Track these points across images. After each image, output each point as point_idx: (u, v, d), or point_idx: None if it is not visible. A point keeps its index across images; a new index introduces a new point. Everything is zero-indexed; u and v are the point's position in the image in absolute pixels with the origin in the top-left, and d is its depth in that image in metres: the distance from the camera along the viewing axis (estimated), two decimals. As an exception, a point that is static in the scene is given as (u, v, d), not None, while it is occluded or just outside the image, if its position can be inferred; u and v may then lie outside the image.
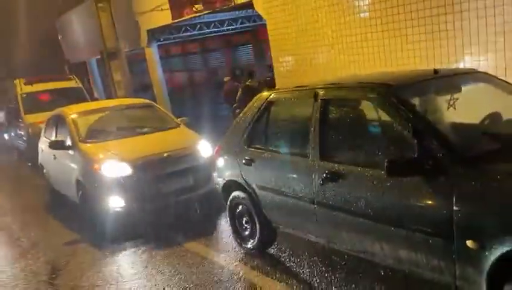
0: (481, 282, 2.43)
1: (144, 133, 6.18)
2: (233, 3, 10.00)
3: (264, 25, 9.07)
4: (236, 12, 13.22)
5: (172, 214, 5.68)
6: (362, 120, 3.35)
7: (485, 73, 3.66)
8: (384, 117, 3.01)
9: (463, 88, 3.49)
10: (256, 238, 4.27)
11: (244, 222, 4.38)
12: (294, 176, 3.62)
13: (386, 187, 2.83)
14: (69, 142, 6.00)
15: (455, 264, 2.54)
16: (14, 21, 21.34)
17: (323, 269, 3.85)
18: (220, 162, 4.59)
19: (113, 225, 5.31)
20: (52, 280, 4.47)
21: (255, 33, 15.99)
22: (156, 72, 13.87)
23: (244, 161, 4.16)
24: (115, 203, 5.28)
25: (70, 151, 5.94)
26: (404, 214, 2.75)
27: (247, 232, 4.37)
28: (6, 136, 15.30)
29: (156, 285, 4.04)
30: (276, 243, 4.41)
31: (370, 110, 3.16)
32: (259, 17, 9.54)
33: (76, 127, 6.11)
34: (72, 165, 5.86)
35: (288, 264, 4.07)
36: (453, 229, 2.47)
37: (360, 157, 3.11)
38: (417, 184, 2.64)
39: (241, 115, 4.46)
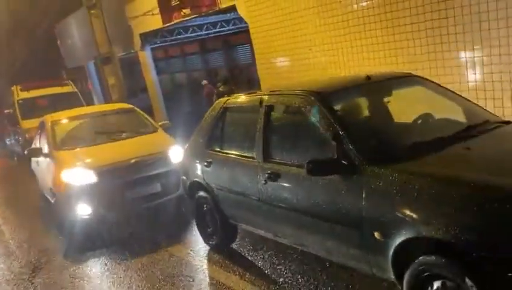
0: (389, 269, 2.71)
1: (118, 139, 6.27)
2: (218, 8, 10.31)
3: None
4: (228, 14, 13.47)
5: (140, 219, 5.82)
6: (297, 124, 3.62)
7: (420, 77, 3.91)
8: (314, 121, 3.27)
9: (398, 91, 3.76)
10: (219, 235, 4.56)
11: (208, 220, 4.67)
12: (244, 176, 3.91)
13: (312, 185, 3.11)
14: (46, 150, 6.23)
15: (368, 253, 2.82)
16: (13, 27, 21.79)
17: (277, 261, 4.14)
18: (186, 163, 4.90)
19: (82, 232, 5.51)
20: (32, 278, 4.79)
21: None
22: (150, 75, 14.17)
23: (205, 163, 4.45)
24: (82, 211, 5.42)
25: (48, 159, 6.17)
26: (327, 209, 3.03)
27: (210, 230, 4.67)
28: (7, 141, 15.75)
29: (123, 280, 4.35)
30: (239, 239, 4.69)
31: (304, 115, 3.42)
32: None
33: (54, 134, 6.32)
34: (48, 172, 6.09)
35: (246, 259, 4.37)
36: (363, 223, 2.75)
37: (294, 158, 3.38)
38: (336, 182, 2.92)
39: (203, 119, 4.75)
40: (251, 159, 3.79)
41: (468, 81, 5.40)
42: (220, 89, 9.58)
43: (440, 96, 3.72)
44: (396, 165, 2.69)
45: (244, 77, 15.79)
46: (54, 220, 6.39)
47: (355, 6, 6.76)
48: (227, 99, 4.42)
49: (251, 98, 4.06)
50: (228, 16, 13.81)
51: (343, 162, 2.85)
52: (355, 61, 7.00)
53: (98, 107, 8.15)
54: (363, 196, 2.74)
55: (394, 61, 6.45)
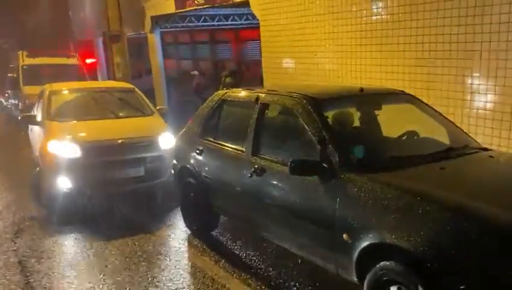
0: (352, 270, 2.88)
1: (112, 118, 6.24)
2: (232, 1, 10.44)
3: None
4: (242, 8, 13.59)
5: (125, 200, 5.86)
6: (288, 125, 3.79)
7: (412, 95, 4.07)
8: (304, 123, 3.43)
9: (388, 106, 3.92)
10: (201, 221, 4.72)
11: (192, 206, 4.82)
12: (232, 168, 4.07)
13: (294, 183, 3.29)
14: (39, 118, 6.24)
15: (336, 254, 2.99)
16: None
17: (252, 253, 4.31)
18: (179, 148, 5.05)
19: (64, 204, 5.54)
20: (15, 238, 4.95)
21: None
22: (156, 58, 14.26)
23: (197, 151, 4.61)
24: (64, 184, 5.41)
25: (39, 127, 6.17)
26: (304, 208, 3.20)
27: (193, 215, 4.81)
28: (6, 104, 15.82)
29: (103, 252, 4.51)
30: (220, 227, 4.84)
31: (295, 117, 3.57)
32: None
33: (50, 104, 6.30)
34: (38, 141, 6.09)
35: (223, 246, 4.54)
36: (335, 224, 2.92)
37: (280, 156, 3.53)
38: (315, 183, 3.08)
39: (201, 108, 4.91)
40: (240, 153, 3.96)
41: (462, 107, 5.56)
42: (226, 80, 9.75)
43: (428, 116, 3.88)
44: (372, 174, 2.86)
45: (250, 73, 15.93)
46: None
47: (364, 18, 6.91)
48: (226, 92, 4.57)
49: (248, 94, 4.22)
50: (242, 10, 13.93)
51: (324, 165, 3.02)
52: (357, 73, 7.15)
53: (100, 83, 8.14)
54: (338, 199, 2.91)
55: (395, 77, 6.59)
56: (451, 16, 5.45)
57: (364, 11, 6.85)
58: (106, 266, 4.21)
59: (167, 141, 5.79)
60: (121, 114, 6.42)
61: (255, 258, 4.20)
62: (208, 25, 15.45)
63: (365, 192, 2.77)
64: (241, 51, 17.97)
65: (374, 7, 6.66)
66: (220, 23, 15.41)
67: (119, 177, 5.57)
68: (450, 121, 3.93)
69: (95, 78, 16.64)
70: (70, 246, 4.77)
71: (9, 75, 14.72)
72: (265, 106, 3.88)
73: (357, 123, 3.75)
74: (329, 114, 3.44)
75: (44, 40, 19.95)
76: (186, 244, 4.67)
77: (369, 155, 3.16)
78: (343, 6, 7.16)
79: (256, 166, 3.70)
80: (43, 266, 4.26)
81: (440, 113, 3.98)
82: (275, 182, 3.55)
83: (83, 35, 19.55)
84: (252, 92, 4.17)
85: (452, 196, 2.56)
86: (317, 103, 3.43)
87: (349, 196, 2.86)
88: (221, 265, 4.11)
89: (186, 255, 4.43)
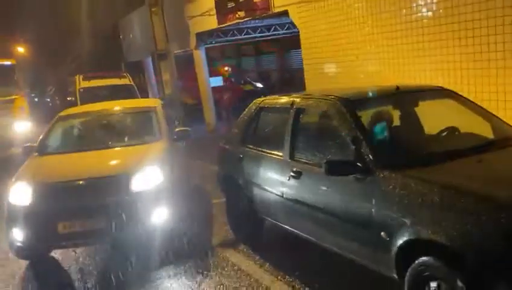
0: (392, 267, 2.86)
1: (101, 148, 5.26)
2: (271, 11, 10.63)
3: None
4: (283, 18, 13.75)
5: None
6: (323, 126, 3.83)
7: (451, 90, 3.99)
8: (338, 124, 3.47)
9: (426, 103, 3.87)
10: (246, 226, 4.81)
11: (237, 212, 4.93)
12: (271, 173, 4.15)
13: (330, 184, 3.32)
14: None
15: (376, 252, 2.98)
16: (80, 23, 23.28)
17: (296, 256, 4.30)
18: (222, 156, 5.21)
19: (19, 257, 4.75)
20: None
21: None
22: (203, 74, 14.66)
23: (238, 158, 4.73)
24: (16, 236, 4.42)
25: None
26: (341, 208, 3.22)
27: (239, 222, 4.93)
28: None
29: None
30: (265, 231, 4.89)
31: (330, 119, 3.61)
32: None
33: (49, 133, 5.62)
34: None
35: (268, 250, 4.58)
36: (372, 222, 2.92)
37: (316, 158, 3.58)
38: (351, 183, 3.10)
39: (241, 116, 5.04)
40: (279, 157, 4.04)
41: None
42: None
43: (469, 110, 3.79)
44: (406, 171, 2.85)
45: (298, 80, 16.05)
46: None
47: (404, 17, 6.83)
48: (263, 100, 4.68)
49: (284, 100, 4.30)
50: (283, 19, 14.10)
51: (358, 164, 3.03)
52: (401, 72, 7.07)
53: (121, 103, 6.71)
54: (374, 197, 2.91)
55: (440, 74, 6.45)
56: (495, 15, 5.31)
57: (404, 10, 6.77)
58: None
59: (146, 179, 4.55)
60: (115, 142, 5.44)
61: (299, 261, 4.22)
62: (250, 38, 15.74)
63: (400, 189, 2.76)
64: (284, 59, 18.12)
65: (413, 4, 6.58)
66: (263, 34, 15.65)
67: (72, 230, 4.34)
68: (493, 114, 3.81)
69: (145, 96, 17.32)
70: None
71: (68, 98, 15.64)
72: (300, 110, 3.95)
73: (393, 122, 3.72)
74: (364, 114, 3.45)
75: (99, 63, 21.09)
76: (231, 249, 4.76)
77: (402, 152, 3.14)
78: (381, 7, 7.13)
79: (294, 169, 3.76)
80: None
81: (482, 107, 3.87)
82: (311, 185, 3.59)
83: (132, 56, 20.51)
84: (288, 97, 4.25)
85: (487, 188, 2.50)
86: (351, 103, 3.46)
87: (384, 194, 2.86)
88: (266, 269, 4.18)
89: (232, 259, 4.50)
